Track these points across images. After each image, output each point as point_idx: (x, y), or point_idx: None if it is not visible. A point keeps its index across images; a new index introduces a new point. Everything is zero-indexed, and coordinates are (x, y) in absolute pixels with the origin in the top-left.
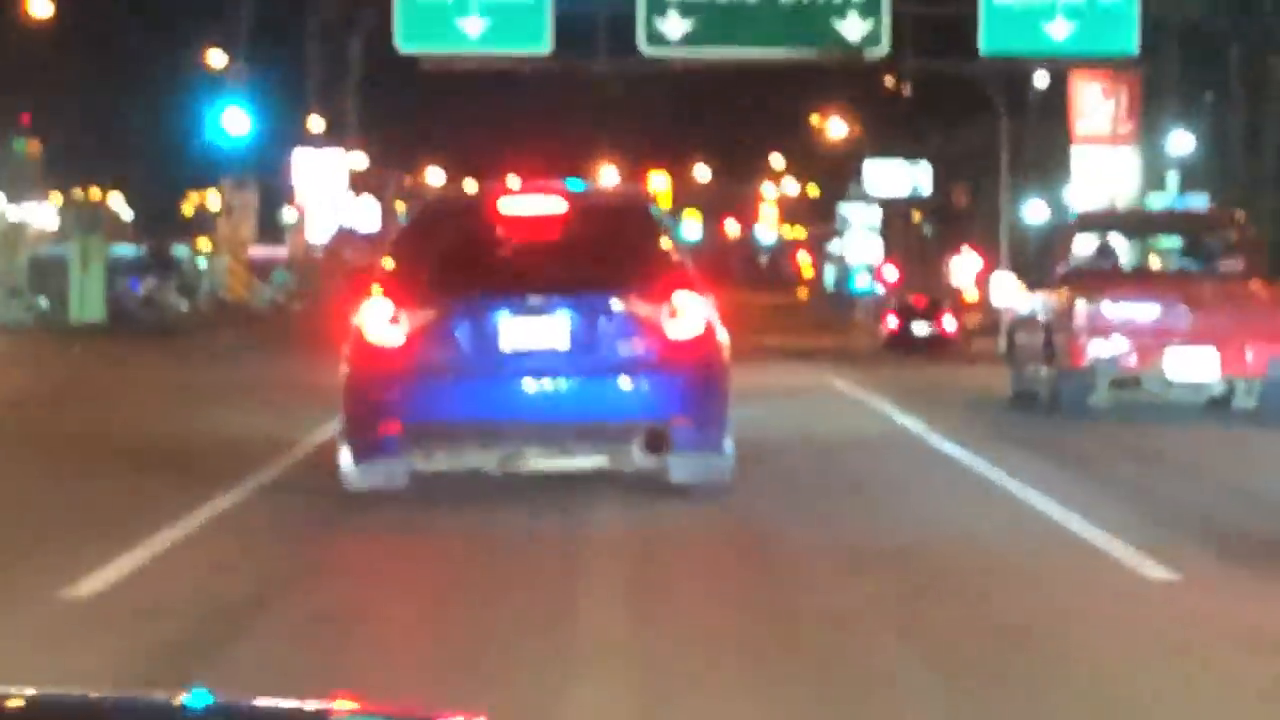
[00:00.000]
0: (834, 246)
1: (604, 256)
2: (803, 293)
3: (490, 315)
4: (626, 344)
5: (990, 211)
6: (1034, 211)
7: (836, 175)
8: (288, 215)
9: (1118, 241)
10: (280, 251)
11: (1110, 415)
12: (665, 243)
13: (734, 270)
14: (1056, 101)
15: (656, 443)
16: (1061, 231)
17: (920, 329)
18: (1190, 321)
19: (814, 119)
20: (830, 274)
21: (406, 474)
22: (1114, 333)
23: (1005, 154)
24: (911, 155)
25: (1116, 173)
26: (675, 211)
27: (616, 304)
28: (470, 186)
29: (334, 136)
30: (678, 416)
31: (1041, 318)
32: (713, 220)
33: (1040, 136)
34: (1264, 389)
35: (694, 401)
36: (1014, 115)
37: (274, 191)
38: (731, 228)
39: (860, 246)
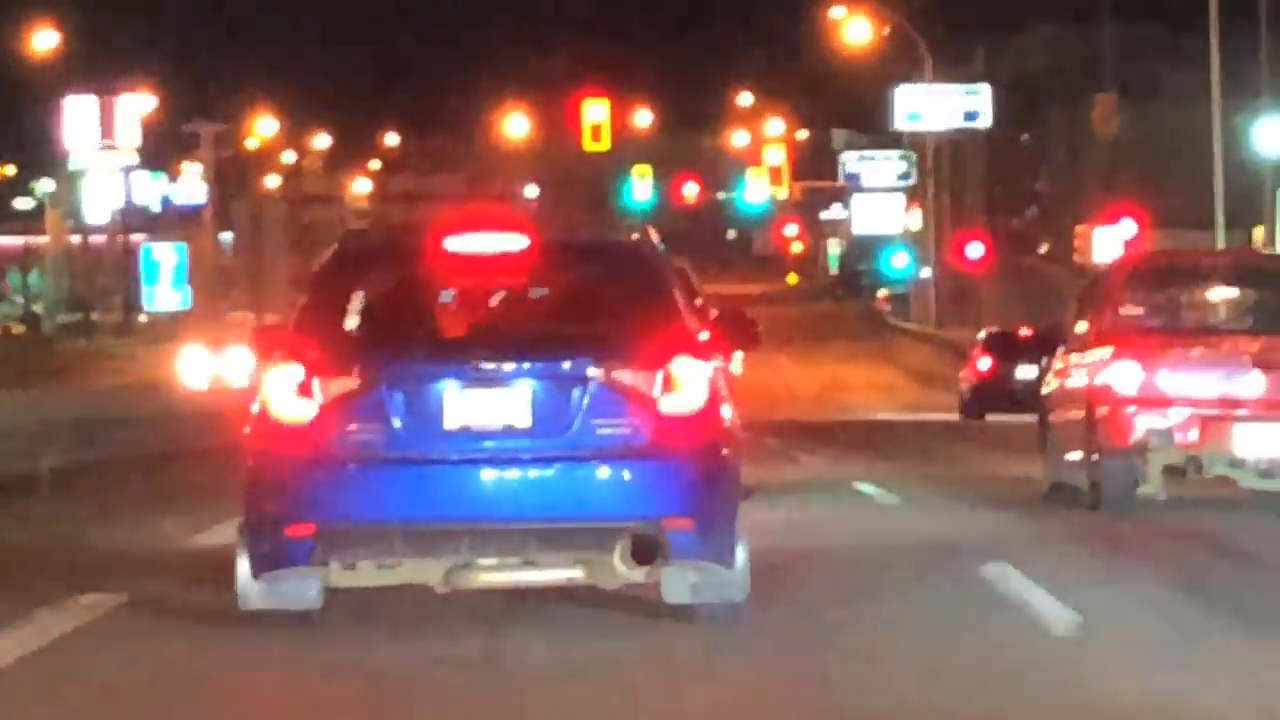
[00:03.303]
0: (835, 213)
1: (580, 310)
2: (792, 278)
3: (431, 385)
4: (607, 423)
5: (1149, 144)
6: (1271, 138)
7: (841, 109)
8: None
9: (1173, 291)
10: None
11: (1174, 509)
12: (660, 291)
13: (696, 249)
14: None
15: (645, 550)
16: (1103, 280)
17: (1025, 374)
18: (1267, 389)
19: (831, 13)
20: (835, 251)
21: (320, 590)
22: (1171, 403)
23: (1215, 38)
24: (965, 75)
25: None
26: (620, 163)
27: (594, 371)
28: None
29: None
30: (673, 516)
31: (1081, 389)
32: (663, 180)
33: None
34: None
35: (695, 496)
36: None
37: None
38: (690, 190)
39: (884, 212)
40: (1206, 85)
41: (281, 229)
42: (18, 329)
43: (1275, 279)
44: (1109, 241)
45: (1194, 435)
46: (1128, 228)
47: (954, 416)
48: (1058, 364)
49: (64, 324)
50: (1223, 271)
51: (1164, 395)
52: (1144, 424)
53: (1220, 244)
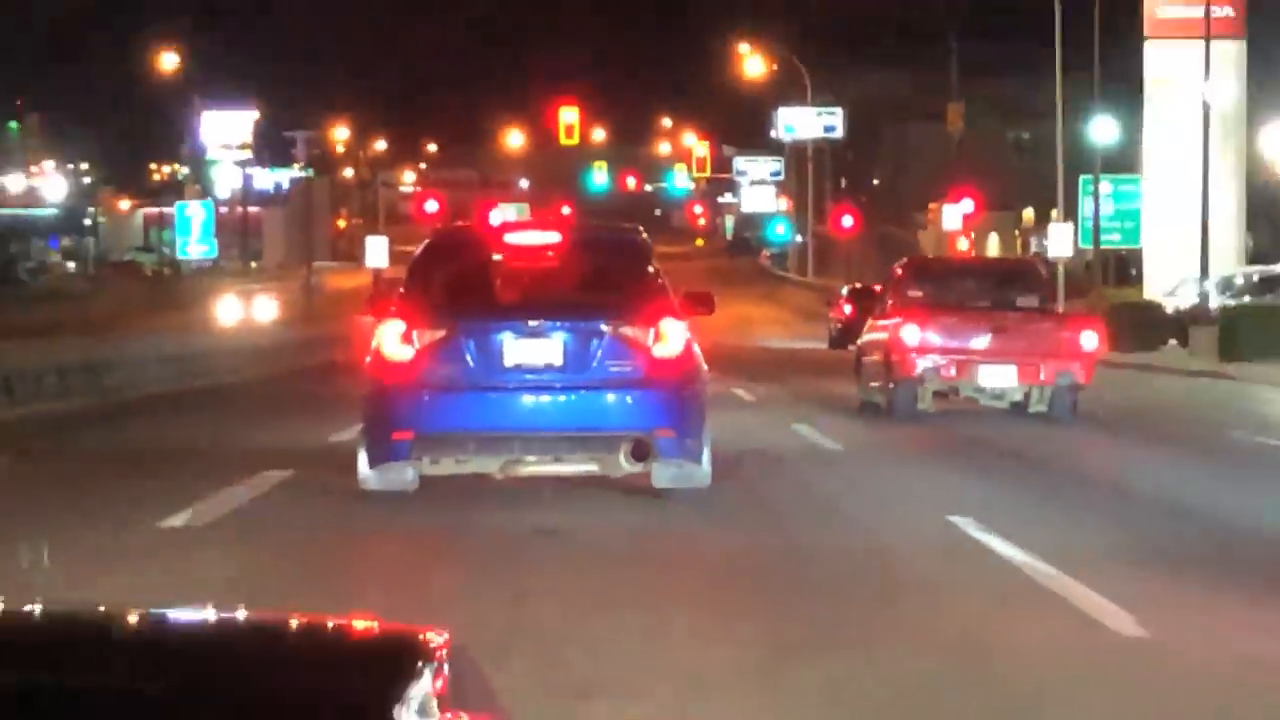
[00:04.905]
0: (727, 199)
1: (596, 284)
2: (699, 242)
3: (494, 336)
4: (616, 363)
5: (976, 145)
6: (1103, 130)
7: (732, 125)
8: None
9: (940, 281)
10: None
11: (937, 418)
12: (651, 272)
13: (635, 223)
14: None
15: (641, 451)
16: (896, 275)
17: None
18: (996, 343)
19: (739, 49)
20: (729, 224)
21: (417, 477)
22: (937, 351)
23: (1060, 49)
24: (820, 100)
25: (1215, 81)
26: (584, 161)
27: (607, 327)
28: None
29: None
30: (661, 428)
31: (882, 341)
32: (613, 175)
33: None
34: (1053, 395)
35: (676, 415)
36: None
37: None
38: (631, 182)
39: (763, 197)
40: (987, 106)
41: (326, 204)
42: (164, 271)
43: (1003, 274)
44: (953, 216)
45: (953, 372)
46: (967, 205)
47: (823, 346)
48: (870, 323)
49: (198, 269)
50: (973, 269)
51: (934, 346)
52: (921, 364)
53: (1060, 219)
